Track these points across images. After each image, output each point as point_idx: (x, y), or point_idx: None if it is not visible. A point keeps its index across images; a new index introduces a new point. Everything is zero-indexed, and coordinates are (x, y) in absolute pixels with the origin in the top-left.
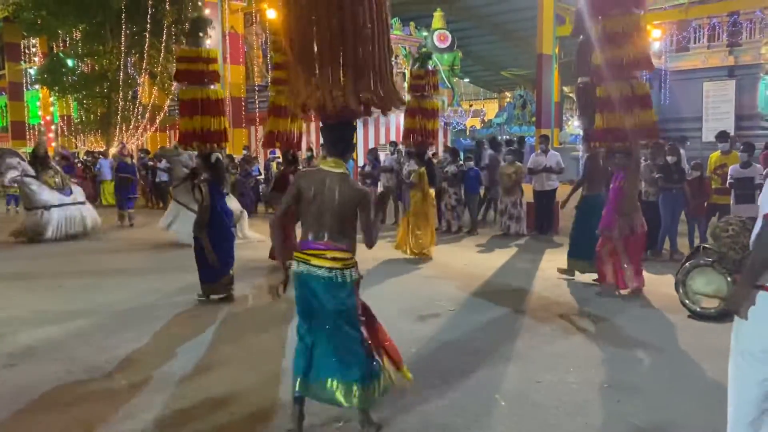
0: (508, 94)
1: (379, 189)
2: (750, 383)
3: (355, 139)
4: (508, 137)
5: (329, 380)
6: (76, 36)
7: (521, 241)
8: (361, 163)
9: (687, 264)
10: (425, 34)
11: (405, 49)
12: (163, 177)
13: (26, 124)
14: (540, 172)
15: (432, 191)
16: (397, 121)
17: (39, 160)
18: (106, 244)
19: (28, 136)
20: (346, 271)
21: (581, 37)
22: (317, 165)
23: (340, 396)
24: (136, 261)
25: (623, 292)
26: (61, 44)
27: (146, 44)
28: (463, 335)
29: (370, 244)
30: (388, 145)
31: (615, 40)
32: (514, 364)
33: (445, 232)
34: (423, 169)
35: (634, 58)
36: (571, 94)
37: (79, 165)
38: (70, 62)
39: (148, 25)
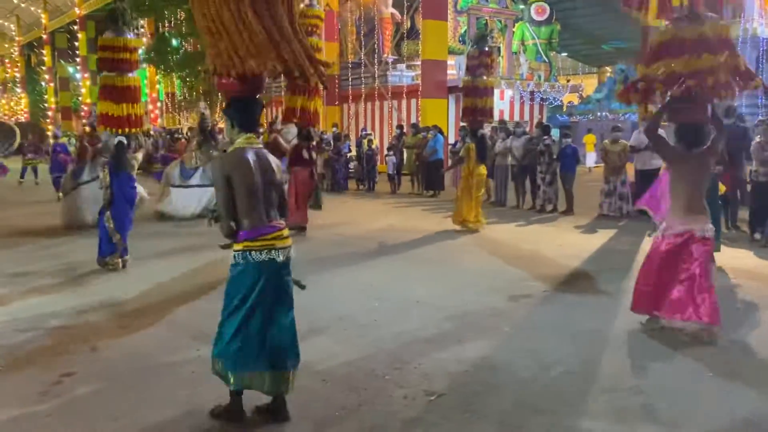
0: (608, 68)
1: None
2: None
3: (261, 114)
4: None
5: (287, 368)
6: (180, 16)
7: (622, 222)
8: (452, 140)
9: None
10: (522, 6)
11: (500, 22)
12: None
13: (71, 107)
14: (643, 150)
15: (482, 167)
16: None
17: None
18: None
19: (72, 118)
20: (292, 246)
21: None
22: (236, 145)
23: (287, 383)
24: None
25: (668, 321)
26: (167, 24)
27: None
28: (558, 317)
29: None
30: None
31: None
32: (612, 348)
33: (538, 211)
34: (472, 144)
35: None
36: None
37: (183, 140)
38: (174, 42)
39: None
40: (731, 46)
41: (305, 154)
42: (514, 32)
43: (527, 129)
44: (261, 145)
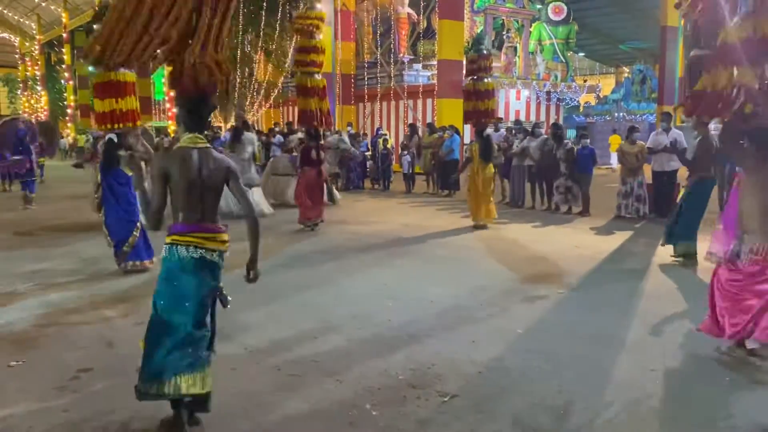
0: (625, 69)
1: None
2: None
3: (211, 116)
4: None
5: (203, 371)
6: None
7: (638, 224)
8: (467, 140)
9: None
10: (539, 6)
11: (517, 22)
12: (277, 152)
13: (152, 100)
14: (660, 152)
15: (490, 166)
16: (506, 97)
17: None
18: None
19: (153, 111)
20: (224, 254)
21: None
22: (180, 144)
23: (207, 384)
24: None
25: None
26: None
27: (262, 22)
28: (573, 318)
29: (252, 215)
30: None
31: None
32: (627, 351)
33: (553, 211)
34: (476, 145)
35: None
36: None
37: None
38: None
39: (265, 4)
40: None
41: (313, 154)
42: (531, 32)
43: (544, 130)
44: (207, 146)
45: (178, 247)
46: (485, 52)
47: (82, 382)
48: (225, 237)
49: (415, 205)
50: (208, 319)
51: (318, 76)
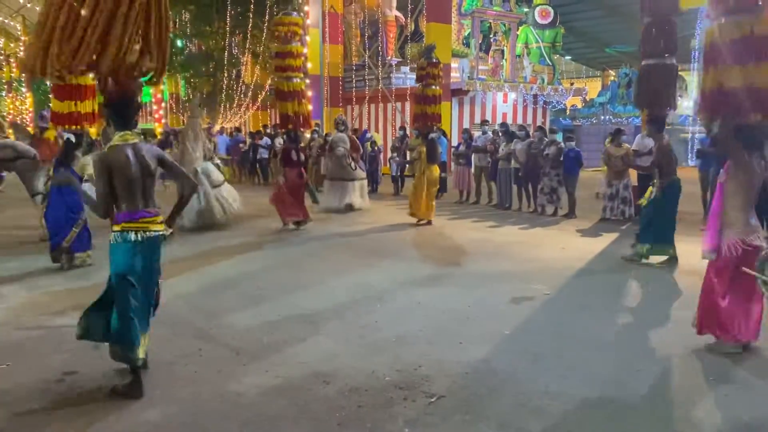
0: (612, 72)
1: (472, 170)
2: None
3: (135, 114)
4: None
5: (145, 337)
6: (185, 17)
7: (624, 226)
8: (455, 143)
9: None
10: (526, 10)
11: (504, 25)
12: (264, 154)
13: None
14: (645, 155)
15: (434, 167)
16: (493, 100)
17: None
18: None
19: (140, 113)
20: (165, 232)
21: (645, 19)
22: (113, 142)
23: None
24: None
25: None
26: (171, 25)
27: (249, 25)
28: (559, 319)
29: (191, 188)
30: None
31: None
32: (611, 351)
33: (540, 214)
34: (423, 147)
35: None
36: (682, 72)
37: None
38: (179, 43)
39: (252, 6)
40: None
41: (294, 156)
42: (518, 35)
43: (530, 132)
44: (137, 140)
45: (129, 232)
46: (435, 60)
47: (67, 384)
48: (161, 219)
49: (402, 207)
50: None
51: (296, 80)
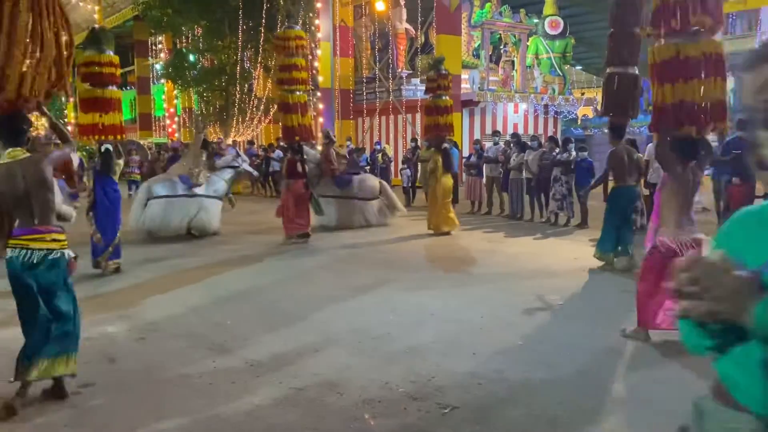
0: None
1: (483, 180)
2: None
3: (27, 131)
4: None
5: (65, 355)
6: (197, 32)
7: (636, 235)
8: (465, 153)
9: None
10: (536, 20)
11: (514, 36)
12: (276, 167)
13: (152, 116)
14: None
15: (448, 177)
16: (504, 111)
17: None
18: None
19: (153, 128)
20: (64, 251)
21: (612, 29)
22: (2, 160)
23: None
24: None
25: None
26: (184, 41)
27: (261, 39)
28: (573, 330)
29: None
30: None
31: None
32: (628, 362)
33: (552, 223)
34: (438, 157)
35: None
36: None
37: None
38: (191, 57)
39: (263, 21)
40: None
41: (299, 168)
42: (528, 46)
43: (542, 142)
44: (23, 156)
45: (10, 249)
46: (444, 72)
47: (84, 397)
48: (57, 236)
49: (414, 219)
50: (65, 309)
51: (299, 93)
